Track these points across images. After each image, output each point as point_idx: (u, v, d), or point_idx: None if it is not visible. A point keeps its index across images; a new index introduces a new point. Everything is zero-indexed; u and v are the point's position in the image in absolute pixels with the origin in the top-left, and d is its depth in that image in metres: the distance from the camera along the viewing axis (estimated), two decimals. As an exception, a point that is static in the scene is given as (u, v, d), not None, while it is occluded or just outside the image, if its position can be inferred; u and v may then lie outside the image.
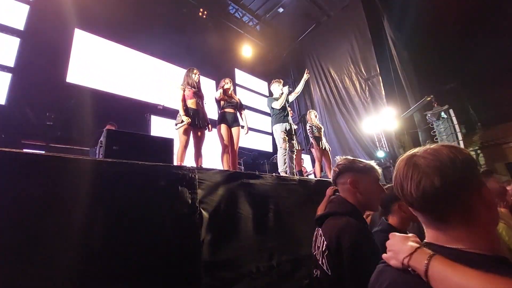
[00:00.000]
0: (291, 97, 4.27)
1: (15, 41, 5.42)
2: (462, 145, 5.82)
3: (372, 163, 1.31)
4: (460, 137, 5.86)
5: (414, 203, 0.65)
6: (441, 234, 0.63)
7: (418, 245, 0.63)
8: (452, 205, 0.60)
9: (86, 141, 5.59)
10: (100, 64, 6.59)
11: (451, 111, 6.07)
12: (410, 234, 0.70)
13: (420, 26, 7.12)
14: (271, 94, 4.31)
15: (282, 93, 4.00)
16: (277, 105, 3.88)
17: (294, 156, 3.96)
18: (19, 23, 5.56)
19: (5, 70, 5.19)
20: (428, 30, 7.15)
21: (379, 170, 1.30)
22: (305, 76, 4.42)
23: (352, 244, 1.04)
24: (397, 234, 0.74)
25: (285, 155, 3.65)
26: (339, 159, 1.37)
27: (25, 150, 1.49)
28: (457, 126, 5.95)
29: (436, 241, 0.64)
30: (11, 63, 5.27)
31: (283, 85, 4.15)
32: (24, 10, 5.67)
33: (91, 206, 1.54)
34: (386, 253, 0.75)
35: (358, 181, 1.24)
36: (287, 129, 3.85)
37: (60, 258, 1.34)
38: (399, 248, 0.67)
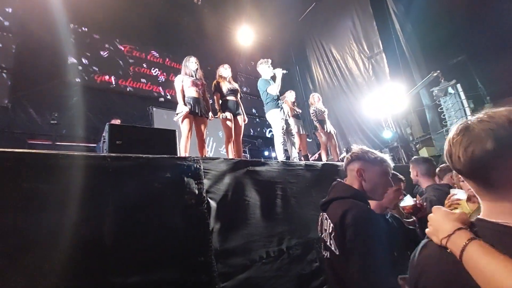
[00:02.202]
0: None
1: (12, 41, 5.37)
2: (470, 120, 5.68)
3: (386, 156, 1.35)
4: (468, 113, 5.71)
5: (463, 170, 0.61)
6: (493, 206, 0.59)
7: (460, 225, 0.60)
8: (504, 172, 0.54)
9: (91, 137, 5.63)
10: (98, 59, 6.53)
11: (458, 86, 5.88)
12: (457, 210, 0.69)
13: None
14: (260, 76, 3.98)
15: (273, 76, 3.74)
16: (273, 90, 3.64)
17: (295, 140, 3.89)
18: (14, 23, 5.49)
19: (4, 71, 5.18)
20: (432, 1, 6.84)
21: (391, 164, 1.33)
22: (279, 73, 3.74)
23: (354, 221, 1.10)
24: (442, 208, 0.70)
25: (283, 142, 3.57)
26: (355, 147, 1.41)
27: (31, 150, 1.49)
28: (465, 101, 5.78)
29: (488, 216, 0.59)
30: (9, 64, 5.25)
31: (273, 66, 3.80)
32: (17, 9, 5.58)
33: (99, 201, 1.55)
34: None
35: (365, 170, 1.29)
36: (283, 116, 3.69)
37: (71, 254, 1.36)
38: (440, 225, 0.64)
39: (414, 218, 1.66)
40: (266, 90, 3.69)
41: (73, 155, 1.56)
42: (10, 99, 5.17)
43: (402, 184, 1.68)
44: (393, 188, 1.47)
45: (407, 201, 1.57)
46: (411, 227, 1.69)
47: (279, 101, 3.72)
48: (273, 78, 3.81)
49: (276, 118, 3.63)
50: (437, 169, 2.48)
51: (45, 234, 1.33)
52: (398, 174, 1.65)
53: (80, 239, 1.42)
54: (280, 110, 3.66)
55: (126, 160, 1.71)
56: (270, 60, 3.87)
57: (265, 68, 3.83)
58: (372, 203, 1.48)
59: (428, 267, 0.64)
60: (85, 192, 1.52)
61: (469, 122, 0.61)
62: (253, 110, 9.49)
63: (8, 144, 4.80)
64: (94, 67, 6.35)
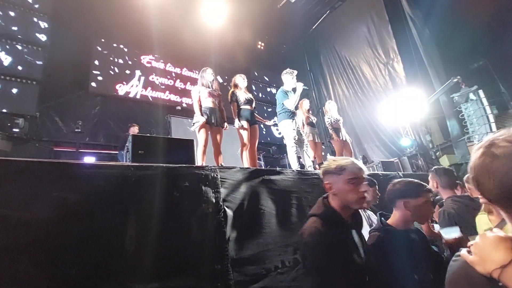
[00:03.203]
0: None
1: (40, 54, 5.73)
2: (494, 128, 5.46)
3: (347, 160, 1.29)
4: (491, 119, 5.48)
5: (493, 200, 0.57)
6: None
7: None
8: None
9: (112, 145, 5.86)
10: (119, 69, 6.83)
11: (480, 91, 5.67)
12: (504, 235, 0.58)
13: (440, 1, 6.67)
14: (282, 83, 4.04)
15: (294, 88, 3.80)
16: (290, 105, 3.70)
17: (309, 149, 3.90)
18: (43, 38, 5.87)
19: (33, 83, 5.52)
20: (449, 5, 6.68)
21: (355, 166, 1.26)
22: (300, 88, 3.82)
23: (306, 242, 1.18)
24: (490, 234, 0.60)
25: (296, 152, 3.59)
26: (325, 162, 1.41)
27: (61, 160, 1.60)
28: (487, 108, 5.56)
29: None
30: (38, 76, 5.59)
31: (297, 79, 3.89)
32: (46, 24, 5.97)
33: (121, 209, 1.62)
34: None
35: (332, 183, 1.27)
36: (295, 127, 3.74)
37: (93, 261, 1.43)
38: (489, 254, 0.56)
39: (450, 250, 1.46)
40: (282, 103, 3.77)
41: (100, 164, 1.66)
42: (39, 109, 5.50)
43: (431, 195, 1.48)
44: (421, 200, 1.38)
45: (452, 232, 1.37)
46: (435, 248, 1.57)
47: (292, 113, 3.76)
48: (294, 89, 3.86)
49: (288, 129, 3.69)
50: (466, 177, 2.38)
51: (71, 242, 1.41)
52: (424, 184, 1.50)
53: (103, 246, 1.50)
54: (292, 121, 3.72)
55: (148, 170, 1.79)
56: (295, 72, 3.92)
57: (288, 79, 3.89)
58: (396, 218, 1.43)
59: None
60: (109, 201, 1.60)
61: (493, 145, 0.56)
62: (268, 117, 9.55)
63: (36, 151, 5.09)
64: (115, 78, 6.65)
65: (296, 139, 3.65)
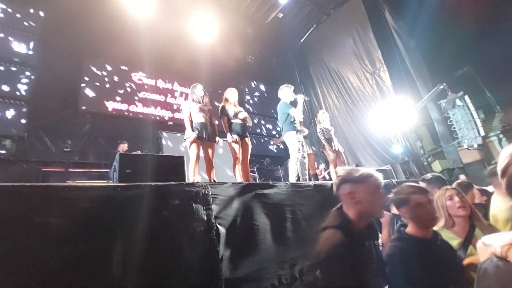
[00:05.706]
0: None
1: (28, 74, 5.68)
2: (482, 132, 5.56)
3: (371, 170, 1.28)
4: (479, 124, 5.60)
5: None
6: None
7: None
8: None
9: (102, 163, 5.74)
10: (109, 86, 6.80)
11: (466, 97, 5.82)
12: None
13: (423, 13, 6.93)
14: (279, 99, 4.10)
15: (292, 101, 3.85)
16: (296, 114, 3.73)
17: (306, 161, 3.87)
18: (32, 58, 5.83)
19: (21, 103, 5.44)
20: (432, 15, 6.94)
21: (379, 176, 1.25)
22: (301, 99, 4.01)
23: (326, 257, 1.09)
24: None
25: (297, 163, 3.58)
26: (340, 170, 1.36)
27: (42, 184, 1.53)
28: (474, 113, 5.69)
29: None
30: (25, 96, 5.52)
31: (295, 92, 3.96)
32: (35, 44, 5.94)
33: (108, 232, 1.55)
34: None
35: (355, 192, 1.22)
36: (299, 139, 3.73)
37: (79, 287, 1.35)
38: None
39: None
40: (289, 113, 3.76)
41: (84, 186, 1.59)
42: (27, 129, 5.39)
43: (422, 196, 1.42)
44: (412, 203, 1.38)
45: None
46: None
47: (296, 124, 3.77)
48: (292, 103, 3.89)
49: (293, 140, 3.67)
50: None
51: (55, 269, 1.33)
52: (413, 185, 1.48)
53: (89, 271, 1.42)
54: (297, 133, 3.70)
55: (135, 189, 1.73)
56: (292, 87, 4.00)
57: (287, 93, 3.93)
58: (409, 227, 1.41)
59: None
60: (95, 224, 1.53)
61: None
62: (261, 129, 9.57)
63: (24, 173, 4.94)
64: (105, 95, 6.61)
65: (300, 150, 3.64)
